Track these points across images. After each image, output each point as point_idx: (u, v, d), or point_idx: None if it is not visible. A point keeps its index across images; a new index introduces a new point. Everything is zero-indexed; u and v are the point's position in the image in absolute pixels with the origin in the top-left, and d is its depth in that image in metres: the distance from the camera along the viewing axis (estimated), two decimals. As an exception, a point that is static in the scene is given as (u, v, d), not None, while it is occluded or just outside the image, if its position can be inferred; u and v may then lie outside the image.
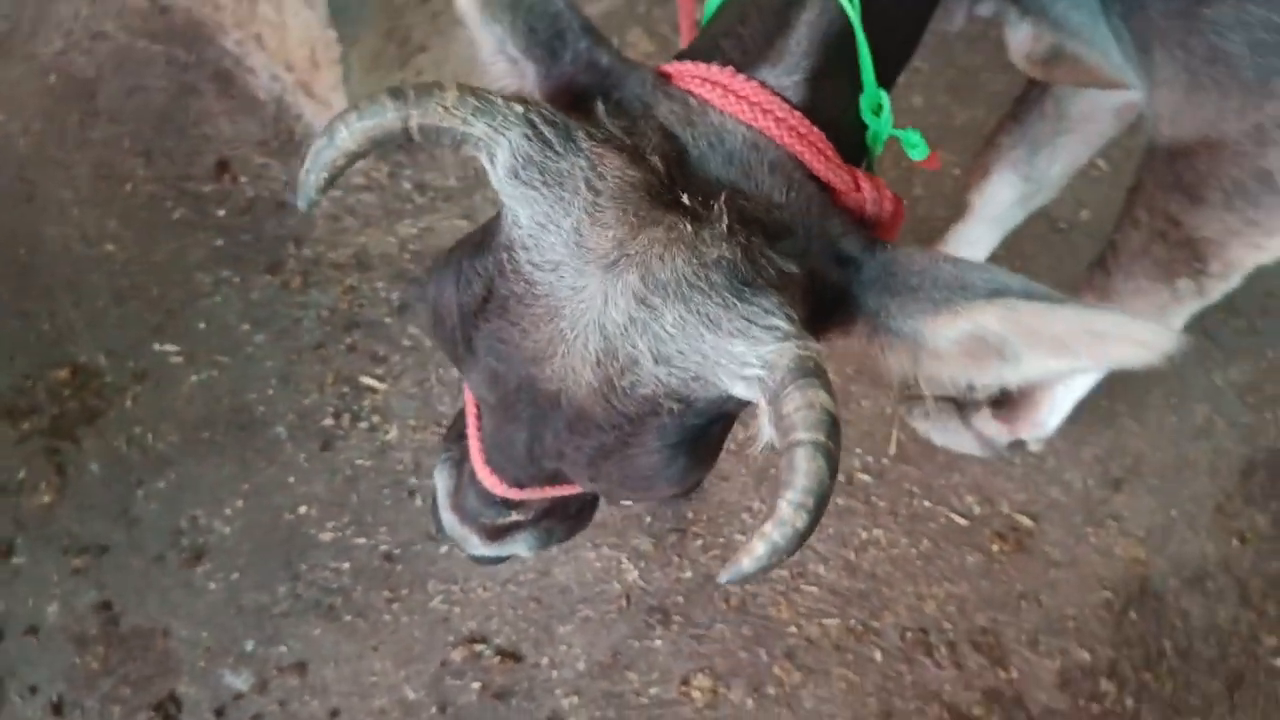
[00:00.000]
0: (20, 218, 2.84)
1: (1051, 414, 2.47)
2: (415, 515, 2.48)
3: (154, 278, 2.76)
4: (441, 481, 1.47)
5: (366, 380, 2.64)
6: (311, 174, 1.09)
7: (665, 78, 1.21)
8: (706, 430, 1.14)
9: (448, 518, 1.47)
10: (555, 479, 1.30)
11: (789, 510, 0.98)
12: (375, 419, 2.60)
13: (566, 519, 1.50)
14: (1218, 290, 1.82)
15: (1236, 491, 2.63)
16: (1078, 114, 2.17)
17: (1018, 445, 2.58)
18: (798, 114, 1.14)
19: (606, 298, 1.05)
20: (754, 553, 0.99)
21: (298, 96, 2.92)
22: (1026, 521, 2.56)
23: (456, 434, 1.46)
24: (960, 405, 2.60)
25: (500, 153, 1.08)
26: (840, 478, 2.54)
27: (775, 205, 1.13)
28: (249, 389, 2.62)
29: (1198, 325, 2.82)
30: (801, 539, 0.99)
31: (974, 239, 2.56)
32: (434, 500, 1.51)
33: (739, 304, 1.03)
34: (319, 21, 2.52)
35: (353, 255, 2.80)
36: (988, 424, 2.55)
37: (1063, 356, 1.08)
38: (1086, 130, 2.22)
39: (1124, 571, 2.51)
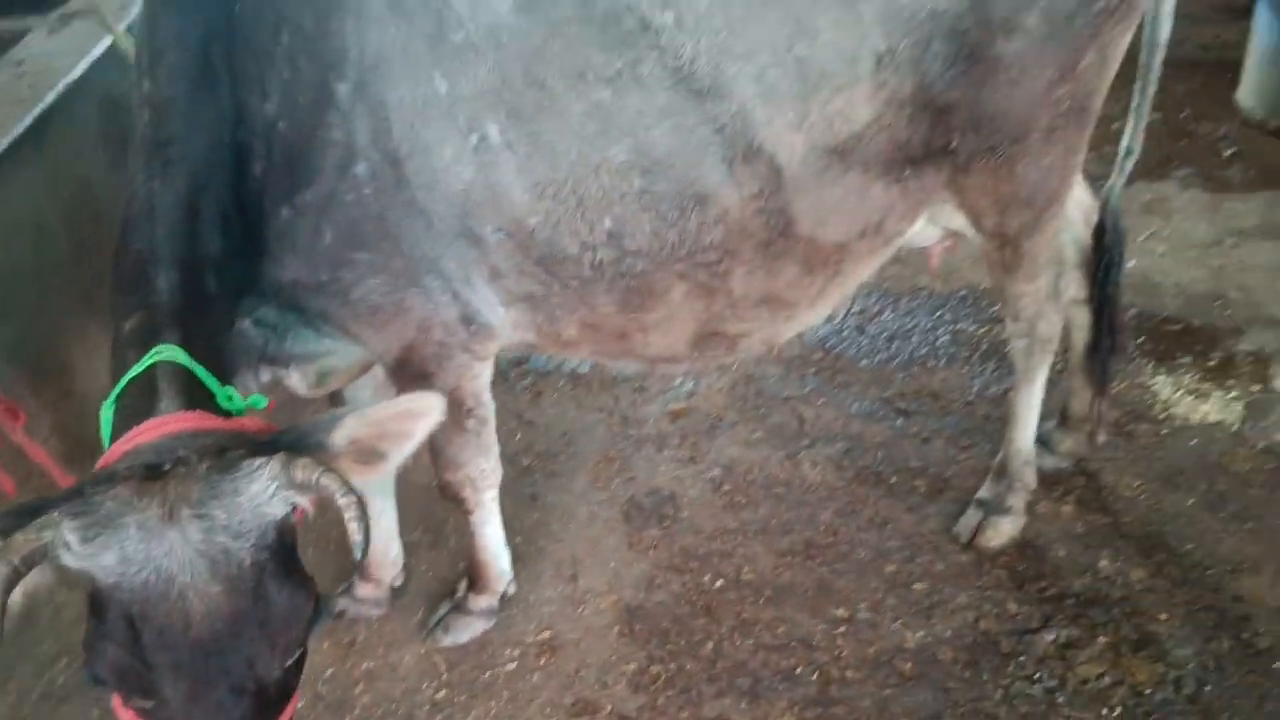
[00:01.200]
0: None
1: (501, 564, 3.56)
2: None
3: None
4: None
5: None
6: None
7: (108, 461, 1.86)
8: (291, 552, 1.83)
9: None
10: (266, 705, 1.74)
11: (344, 500, 1.73)
12: None
13: None
14: (487, 415, 3.08)
15: (629, 529, 3.97)
16: (372, 400, 3.36)
17: (505, 598, 3.62)
18: (182, 415, 1.95)
19: (183, 535, 1.66)
20: (356, 535, 1.72)
21: None
22: (547, 634, 3.58)
23: None
24: (459, 607, 3.57)
25: (68, 539, 1.64)
26: (425, 713, 3.35)
27: (211, 445, 1.82)
28: None
29: (545, 475, 4.19)
30: (363, 507, 1.74)
31: (376, 511, 3.56)
32: None
33: (235, 474, 1.73)
34: None
35: None
36: (477, 601, 3.55)
37: (407, 437, 1.85)
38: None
39: (614, 613, 3.64)
